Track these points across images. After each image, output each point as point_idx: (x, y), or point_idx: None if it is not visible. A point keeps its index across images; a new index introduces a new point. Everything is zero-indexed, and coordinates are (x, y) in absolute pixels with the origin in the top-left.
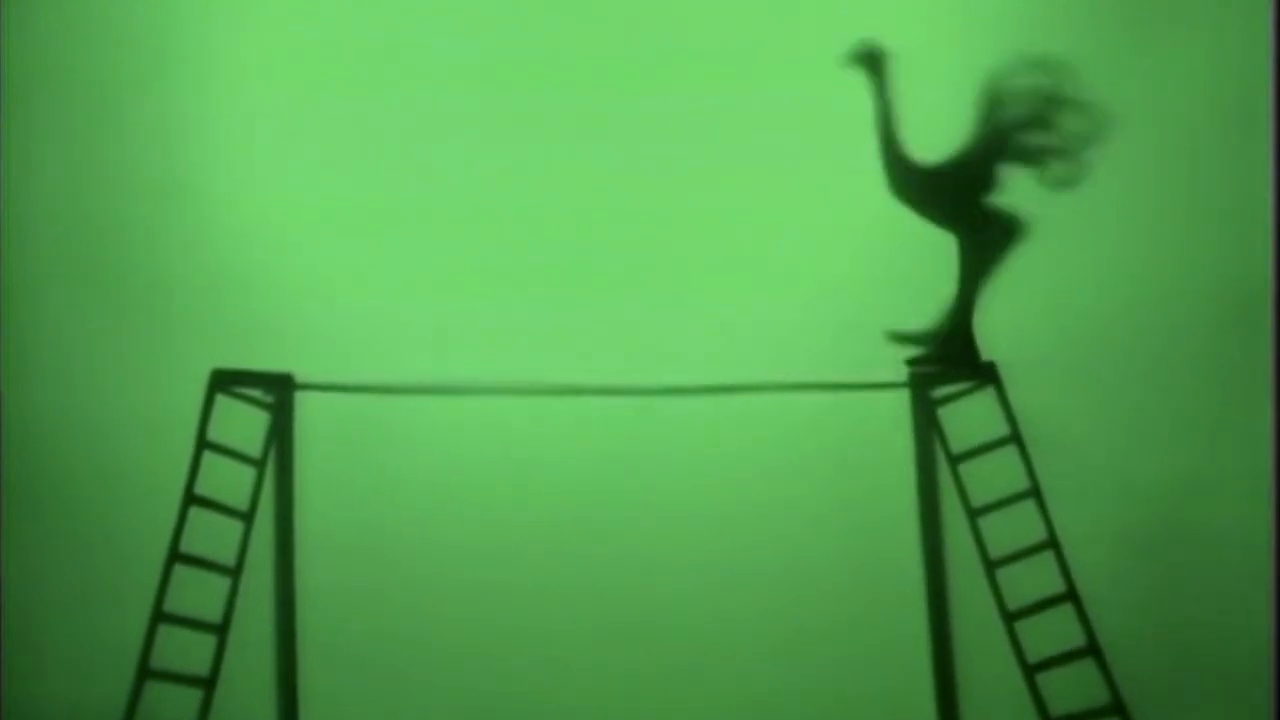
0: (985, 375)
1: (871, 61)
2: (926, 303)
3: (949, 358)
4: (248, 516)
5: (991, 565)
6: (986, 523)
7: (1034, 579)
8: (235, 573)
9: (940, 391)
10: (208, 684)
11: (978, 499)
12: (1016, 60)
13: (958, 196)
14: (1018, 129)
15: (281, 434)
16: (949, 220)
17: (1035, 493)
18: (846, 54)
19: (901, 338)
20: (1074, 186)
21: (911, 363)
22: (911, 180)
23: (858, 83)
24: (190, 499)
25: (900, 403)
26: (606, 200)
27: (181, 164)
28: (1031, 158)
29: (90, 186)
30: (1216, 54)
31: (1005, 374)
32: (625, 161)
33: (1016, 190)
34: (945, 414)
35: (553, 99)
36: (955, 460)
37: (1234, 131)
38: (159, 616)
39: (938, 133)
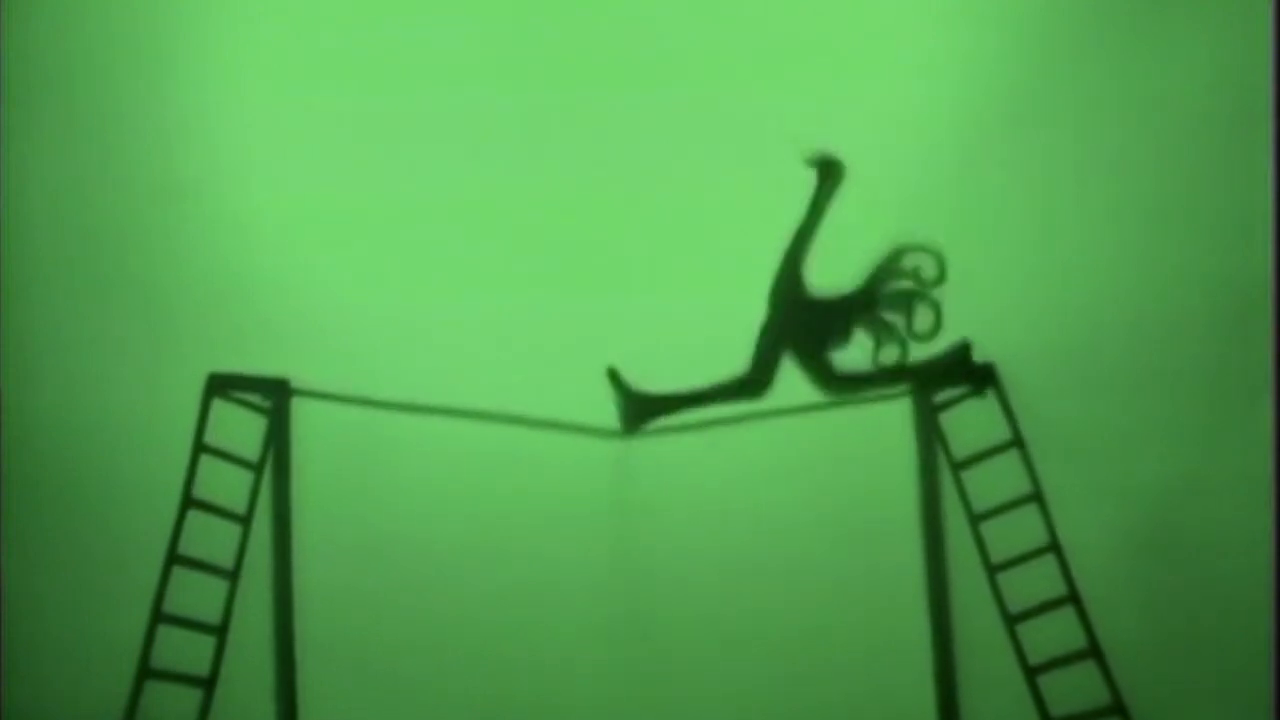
0: (986, 380)
1: (826, 169)
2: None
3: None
4: (245, 520)
5: (993, 569)
6: (988, 527)
7: (1035, 582)
8: (234, 575)
9: (941, 397)
10: (208, 684)
11: (980, 504)
12: (909, 244)
13: (814, 335)
14: (881, 305)
15: (278, 438)
16: (793, 348)
17: (1037, 497)
18: (804, 155)
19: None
20: (934, 337)
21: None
22: (792, 299)
23: (861, 84)
24: (188, 502)
25: (902, 408)
26: (608, 204)
27: (181, 165)
28: (897, 305)
29: (90, 188)
30: (1216, 54)
31: (1006, 378)
32: (627, 166)
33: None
34: (947, 419)
35: (555, 102)
36: (957, 466)
37: (1234, 131)
38: (159, 617)
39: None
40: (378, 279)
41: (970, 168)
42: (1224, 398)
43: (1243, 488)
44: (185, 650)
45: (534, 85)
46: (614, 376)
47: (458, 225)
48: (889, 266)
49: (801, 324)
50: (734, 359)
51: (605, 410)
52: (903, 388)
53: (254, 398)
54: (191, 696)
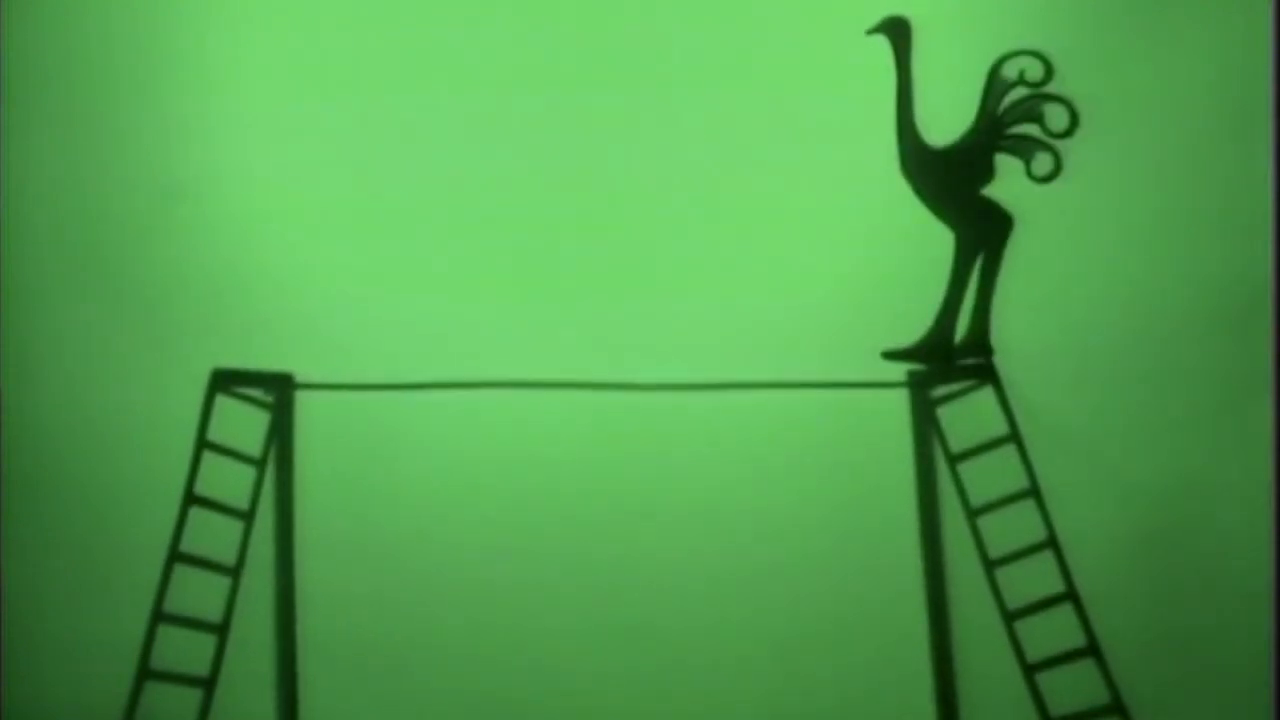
0: (984, 374)
1: (896, 31)
2: (927, 302)
3: (928, 355)
4: (248, 516)
5: (991, 565)
6: (986, 522)
7: (1033, 579)
8: (235, 572)
9: (939, 391)
10: (208, 684)
11: (977, 498)
12: (1009, 51)
13: (960, 183)
14: (1010, 120)
15: (282, 434)
16: (950, 206)
17: (1035, 492)
18: (874, 24)
19: (896, 355)
20: (1055, 179)
21: (888, 356)
22: (921, 159)
23: (857, 81)
24: (190, 499)
25: (899, 402)
26: (607, 198)
27: (181, 164)
28: (1019, 149)
29: (90, 186)
30: (1216, 54)
31: (1005, 373)
32: (625, 160)
33: (1010, 187)
34: (944, 413)
35: (553, 98)
36: (954, 459)
37: (1234, 131)
38: (159, 616)
39: (935, 121)
40: (381, 276)
41: None
42: (1224, 396)
43: (1242, 486)
44: (185, 650)
45: (533, 85)
46: (892, 355)
47: (459, 222)
48: (995, 79)
49: (943, 179)
50: (734, 350)
51: (606, 407)
52: (901, 380)
53: (257, 393)
54: (191, 696)
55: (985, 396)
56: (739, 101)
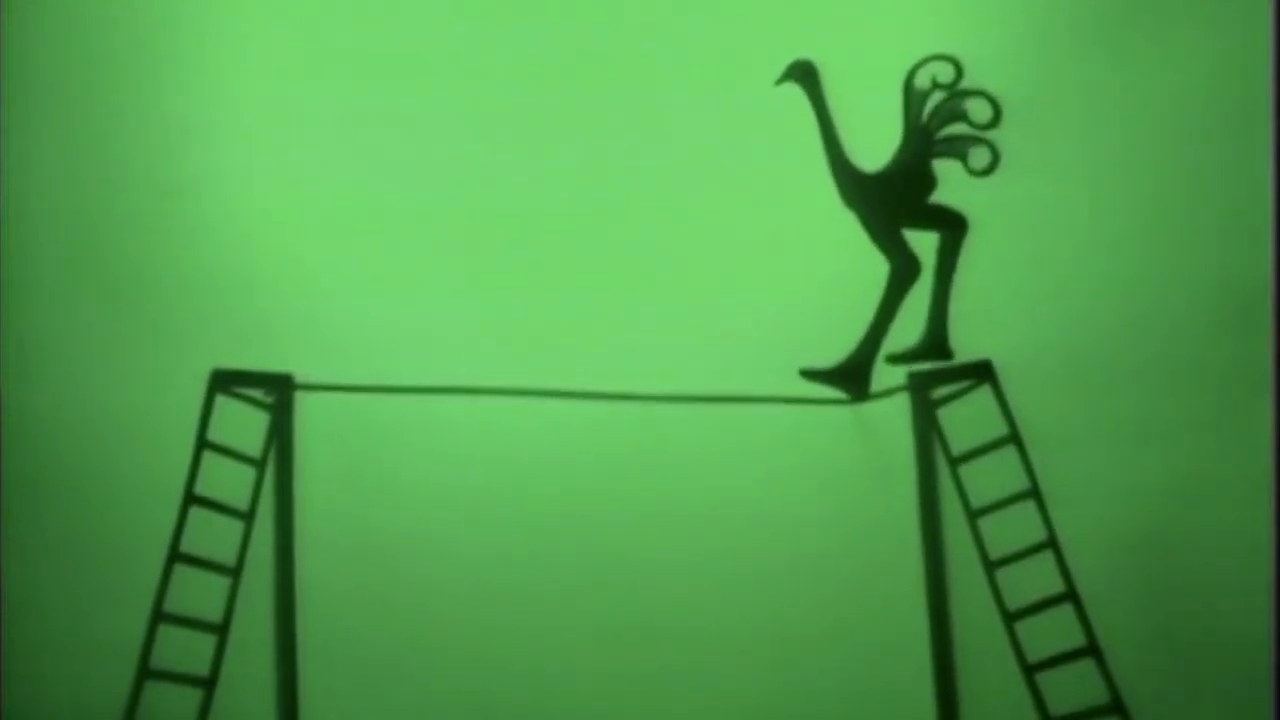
0: (982, 374)
1: (805, 77)
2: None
3: (844, 379)
4: (248, 516)
5: (991, 566)
6: (986, 523)
7: (1034, 579)
8: (235, 573)
9: (940, 392)
10: (208, 684)
11: (978, 499)
12: (921, 58)
13: (905, 198)
14: (935, 124)
15: (281, 434)
16: (899, 225)
17: (1035, 493)
18: (781, 73)
19: (812, 375)
20: (993, 172)
21: (805, 375)
22: (861, 187)
23: (861, 86)
24: (190, 499)
25: (900, 404)
26: (609, 205)
27: (181, 164)
28: (953, 150)
29: (90, 186)
30: (1216, 54)
31: (1004, 374)
32: (628, 166)
33: (1010, 188)
34: (945, 415)
35: (554, 102)
36: (955, 461)
37: (1234, 131)
38: (159, 616)
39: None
40: (380, 277)
41: None
42: (1223, 396)
43: (1242, 486)
44: (185, 650)
45: (533, 84)
46: (810, 375)
47: (459, 222)
48: (911, 88)
49: (887, 199)
50: (735, 357)
51: (606, 409)
52: (900, 383)
53: (257, 393)
54: (191, 696)
55: (986, 399)
56: (739, 112)
